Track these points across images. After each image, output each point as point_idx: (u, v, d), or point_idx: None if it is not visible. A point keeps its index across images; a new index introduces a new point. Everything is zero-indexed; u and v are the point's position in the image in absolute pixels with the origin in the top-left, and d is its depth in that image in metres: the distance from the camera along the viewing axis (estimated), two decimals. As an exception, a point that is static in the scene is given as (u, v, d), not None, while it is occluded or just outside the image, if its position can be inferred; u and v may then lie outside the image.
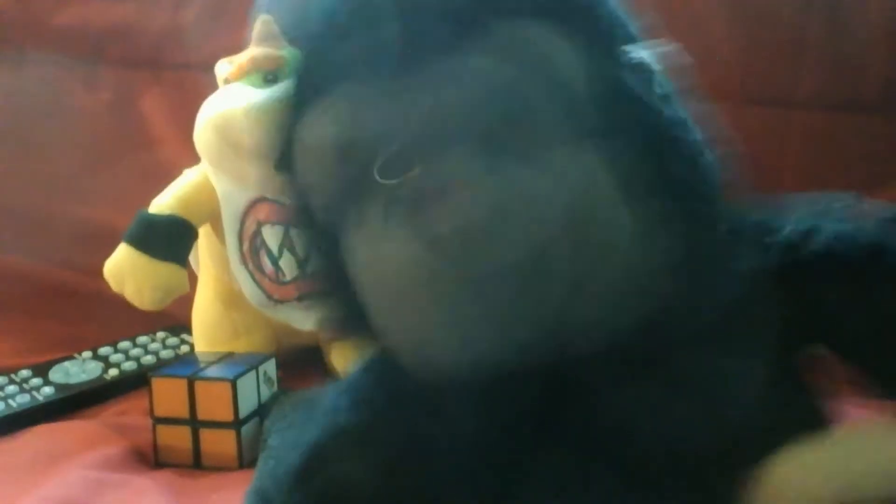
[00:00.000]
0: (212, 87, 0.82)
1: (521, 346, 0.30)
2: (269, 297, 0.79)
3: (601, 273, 0.30)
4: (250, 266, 0.78)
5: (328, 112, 0.29)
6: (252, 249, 0.77)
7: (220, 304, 0.84)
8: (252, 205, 0.77)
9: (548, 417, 0.38)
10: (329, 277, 0.36)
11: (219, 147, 0.76)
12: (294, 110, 0.33)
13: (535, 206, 0.28)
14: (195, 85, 0.93)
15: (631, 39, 0.34)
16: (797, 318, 0.37)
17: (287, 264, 0.78)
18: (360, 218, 0.31)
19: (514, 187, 0.28)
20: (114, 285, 0.76)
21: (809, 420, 0.38)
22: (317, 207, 0.34)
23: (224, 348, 0.78)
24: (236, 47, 0.83)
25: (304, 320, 0.80)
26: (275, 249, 0.78)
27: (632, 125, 0.32)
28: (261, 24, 0.82)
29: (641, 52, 0.33)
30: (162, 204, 0.77)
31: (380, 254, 0.30)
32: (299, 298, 0.80)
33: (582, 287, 0.30)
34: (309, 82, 0.32)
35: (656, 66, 0.33)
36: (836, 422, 0.41)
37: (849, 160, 0.93)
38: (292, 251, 0.78)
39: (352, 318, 0.35)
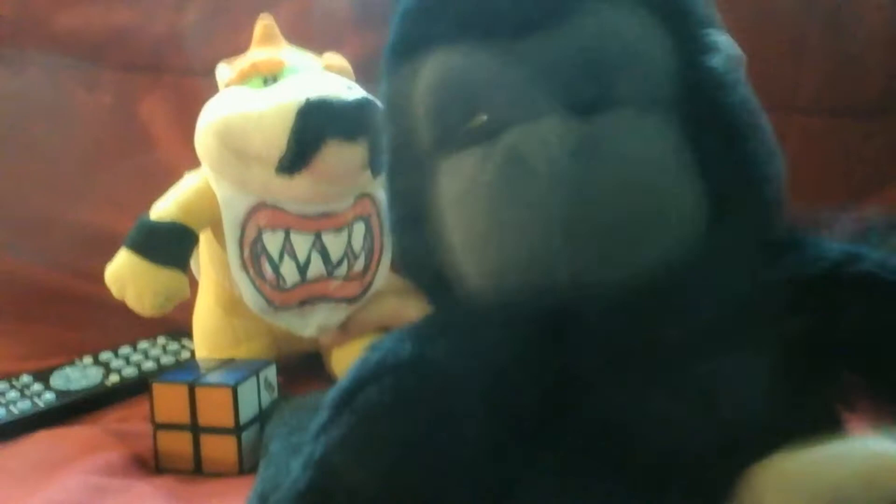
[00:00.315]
0: (212, 90, 0.82)
1: (564, 272, 0.32)
2: (270, 303, 0.79)
3: (650, 234, 0.32)
4: (251, 272, 0.78)
5: (449, 60, 0.33)
6: (253, 255, 0.77)
7: (221, 310, 0.84)
8: (253, 211, 0.77)
9: (549, 418, 0.38)
10: (411, 215, 0.39)
11: (220, 152, 0.76)
12: (407, 55, 0.35)
13: (609, 159, 0.31)
14: (195, 88, 0.93)
15: (711, 24, 0.36)
16: (823, 332, 0.37)
17: (288, 270, 0.78)
18: (461, 155, 0.34)
19: (596, 143, 0.31)
20: (115, 291, 0.76)
21: (814, 426, 0.38)
22: (420, 144, 0.36)
23: (225, 355, 0.78)
24: (236, 51, 0.83)
25: (304, 326, 0.81)
26: (275, 255, 0.78)
27: (710, 104, 0.33)
28: (262, 26, 0.83)
29: (721, 37, 0.34)
30: (163, 210, 0.77)
31: (475, 183, 0.33)
32: (300, 304, 0.80)
33: (628, 242, 0.32)
34: (424, 32, 0.34)
35: (734, 51, 0.35)
36: (844, 429, 0.41)
37: (848, 163, 0.94)
38: (293, 257, 0.78)
39: (420, 260, 0.38)
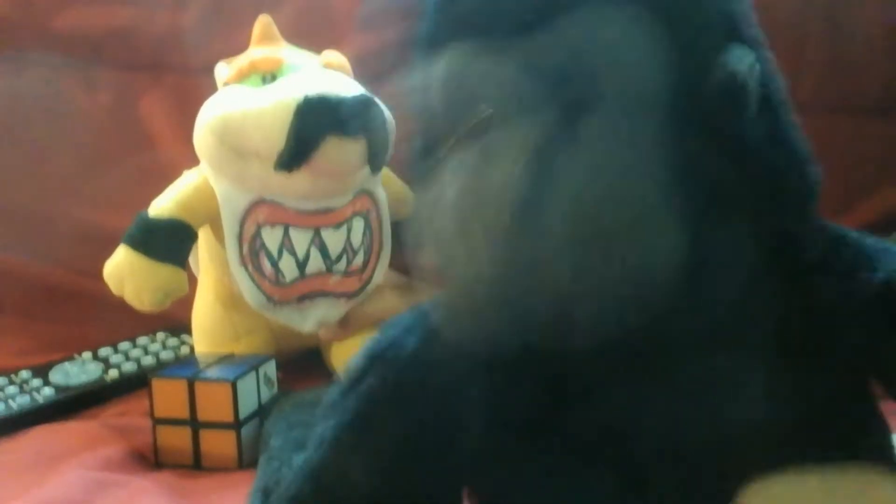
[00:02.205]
0: (211, 89, 0.82)
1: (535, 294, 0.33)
2: (269, 298, 0.79)
3: (615, 244, 0.32)
4: (250, 268, 0.78)
5: (454, 57, 0.33)
6: (252, 251, 0.78)
7: (220, 306, 0.84)
8: (251, 207, 0.77)
9: (549, 418, 0.38)
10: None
11: (218, 149, 0.77)
12: (426, 52, 0.36)
13: (580, 175, 0.31)
14: (195, 87, 0.93)
15: (727, 33, 0.34)
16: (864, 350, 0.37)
17: (286, 266, 0.78)
18: (454, 152, 0.34)
19: (560, 147, 0.31)
20: (113, 287, 0.76)
21: (811, 425, 0.38)
22: (433, 139, 0.37)
23: (224, 350, 0.78)
24: (236, 49, 0.84)
25: (303, 322, 0.81)
26: (274, 251, 0.78)
27: (705, 115, 0.33)
28: (260, 25, 0.83)
29: (736, 50, 0.33)
30: (161, 206, 0.77)
31: (443, 186, 0.33)
32: (299, 300, 0.80)
33: (598, 254, 0.32)
34: (436, 30, 0.35)
35: (751, 79, 0.33)
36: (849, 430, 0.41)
37: (848, 162, 0.93)
38: (292, 253, 0.78)
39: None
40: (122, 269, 0.75)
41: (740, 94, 0.32)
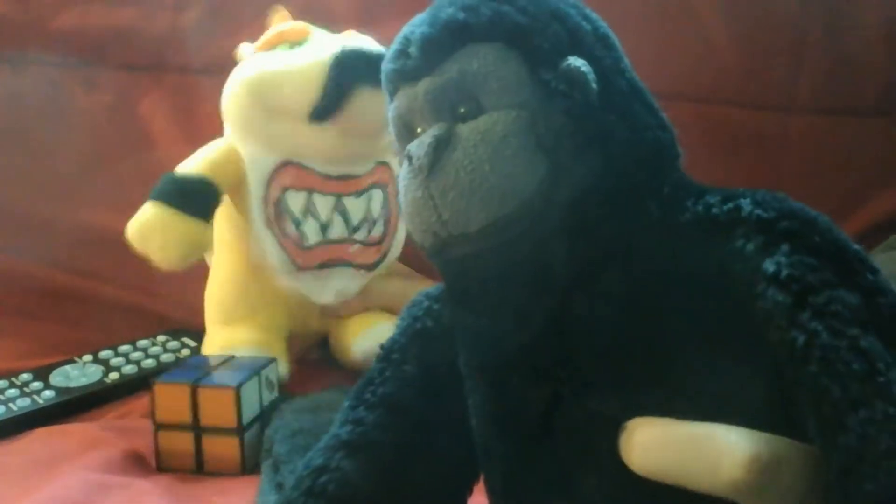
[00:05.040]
0: (213, 90, 0.82)
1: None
2: (293, 261, 0.80)
3: (488, 198, 0.39)
4: (275, 230, 0.79)
5: (397, 101, 0.43)
6: (276, 214, 0.79)
7: (239, 278, 0.84)
8: (278, 169, 0.79)
9: (545, 420, 0.39)
10: None
11: (250, 108, 0.78)
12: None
13: (457, 149, 0.40)
14: (196, 88, 0.93)
15: (564, 52, 0.41)
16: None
17: (310, 229, 0.80)
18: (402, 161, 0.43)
19: (451, 139, 0.40)
20: (137, 245, 0.76)
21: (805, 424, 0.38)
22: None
23: (240, 326, 0.78)
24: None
25: (322, 291, 0.81)
26: (298, 214, 0.79)
27: (548, 107, 0.40)
28: (277, 15, 0.84)
29: (571, 61, 0.40)
30: (189, 166, 0.78)
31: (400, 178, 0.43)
32: (320, 267, 0.81)
33: (470, 204, 0.39)
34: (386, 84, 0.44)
35: (579, 73, 0.40)
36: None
37: (847, 164, 0.94)
38: (315, 217, 0.79)
39: None
40: (150, 223, 0.75)
41: (575, 84, 0.39)
